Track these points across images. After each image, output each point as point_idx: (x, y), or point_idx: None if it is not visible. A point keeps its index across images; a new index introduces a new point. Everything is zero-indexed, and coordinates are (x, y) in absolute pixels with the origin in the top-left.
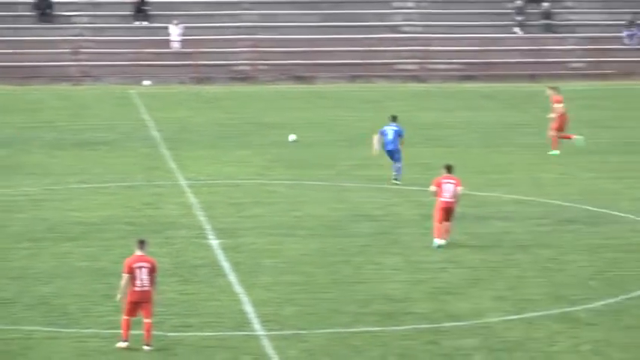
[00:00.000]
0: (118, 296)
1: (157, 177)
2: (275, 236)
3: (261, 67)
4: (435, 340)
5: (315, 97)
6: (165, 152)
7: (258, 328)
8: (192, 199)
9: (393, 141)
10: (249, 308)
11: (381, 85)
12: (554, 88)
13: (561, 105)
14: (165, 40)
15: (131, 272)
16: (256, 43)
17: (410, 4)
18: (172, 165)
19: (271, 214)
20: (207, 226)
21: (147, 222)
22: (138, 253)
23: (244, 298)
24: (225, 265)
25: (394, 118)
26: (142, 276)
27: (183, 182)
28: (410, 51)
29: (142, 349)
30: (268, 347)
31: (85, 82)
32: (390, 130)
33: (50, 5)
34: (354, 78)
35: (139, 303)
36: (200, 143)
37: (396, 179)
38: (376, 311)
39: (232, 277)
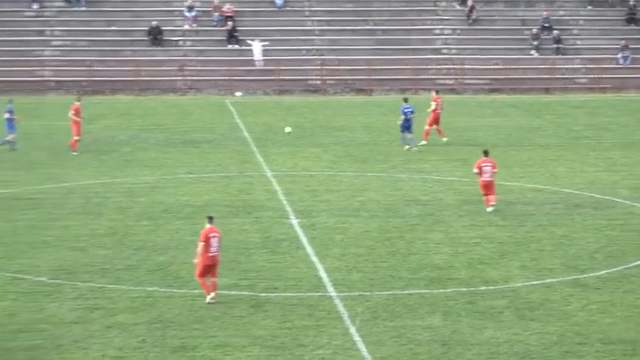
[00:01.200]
0: (195, 260)
1: (248, 169)
2: (343, 217)
3: (329, 81)
4: (472, 301)
5: (372, 106)
6: (254, 149)
7: (330, 290)
8: (276, 186)
9: (410, 118)
10: (323, 274)
11: (425, 96)
12: (436, 91)
13: (435, 104)
14: (253, 59)
15: (206, 241)
16: (325, 62)
17: (448, 31)
18: (260, 159)
19: (339, 199)
20: (289, 209)
21: (240, 205)
22: (208, 226)
23: (319, 266)
24: (303, 240)
25: (406, 100)
26: (215, 244)
27: (268, 173)
28: (448, 69)
29: (209, 302)
30: (339, 305)
31: (189, 93)
32: (408, 110)
33: (161, 32)
34: (403, 90)
35: (211, 265)
36: (282, 142)
37: (416, 147)
38: (425, 277)
39: (309, 249)
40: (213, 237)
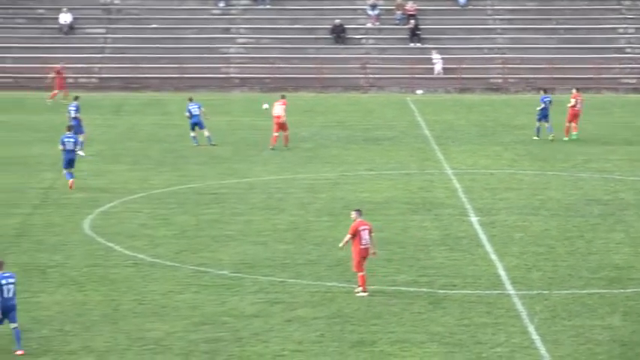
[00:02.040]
0: (340, 245)
1: (428, 166)
2: (522, 215)
3: (510, 80)
4: None
5: (554, 105)
6: (435, 147)
7: (509, 288)
8: (456, 184)
9: (547, 107)
10: (501, 272)
11: (607, 96)
12: (577, 89)
13: (574, 100)
14: (433, 66)
15: (356, 233)
16: (506, 61)
17: (631, 30)
18: (440, 157)
19: (519, 198)
20: (468, 206)
21: (420, 202)
22: (358, 219)
23: (498, 264)
24: (482, 238)
25: (545, 90)
26: (365, 236)
27: (449, 171)
28: (631, 68)
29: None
30: (518, 304)
31: (370, 91)
32: (546, 100)
33: (344, 30)
34: (585, 89)
35: (364, 257)
36: (462, 140)
37: (551, 137)
38: (605, 277)
39: (488, 247)
40: (364, 229)
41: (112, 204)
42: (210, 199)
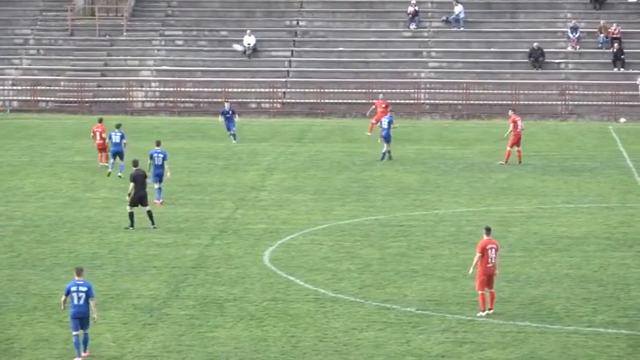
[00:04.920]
0: (470, 271)
1: (630, 200)
2: None
3: None
4: None
5: None
6: (638, 179)
7: None
8: None
9: None
10: None
11: None
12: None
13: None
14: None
15: (483, 252)
16: None
17: None
18: None
19: None
20: None
21: (621, 238)
22: (486, 237)
23: None
24: None
25: None
26: (491, 255)
27: None
28: None
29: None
30: None
31: (570, 118)
32: None
33: (542, 54)
34: None
35: (489, 276)
36: None
37: None
38: None
39: None
40: (491, 248)
41: (293, 235)
42: (396, 231)
